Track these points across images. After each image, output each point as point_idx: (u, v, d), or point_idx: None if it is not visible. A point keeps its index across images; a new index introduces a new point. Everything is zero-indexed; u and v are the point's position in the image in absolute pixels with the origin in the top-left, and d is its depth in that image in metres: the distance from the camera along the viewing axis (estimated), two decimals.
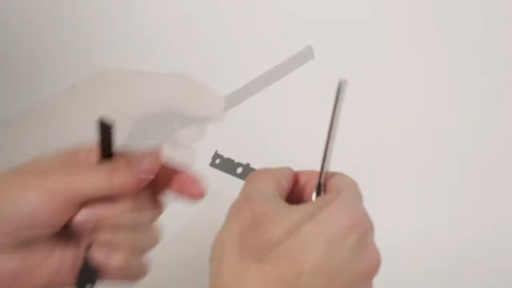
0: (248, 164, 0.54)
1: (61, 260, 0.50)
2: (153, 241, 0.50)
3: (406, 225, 0.83)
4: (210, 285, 0.43)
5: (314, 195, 0.47)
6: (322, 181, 0.46)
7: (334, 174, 0.47)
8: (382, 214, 0.48)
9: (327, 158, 0.46)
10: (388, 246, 0.45)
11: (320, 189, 0.46)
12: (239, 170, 0.54)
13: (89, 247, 0.49)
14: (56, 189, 0.46)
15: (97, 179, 0.47)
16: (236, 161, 0.54)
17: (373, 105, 0.87)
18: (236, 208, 0.44)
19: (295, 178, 0.49)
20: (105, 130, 0.45)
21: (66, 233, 0.49)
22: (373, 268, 0.43)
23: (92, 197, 0.47)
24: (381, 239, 0.44)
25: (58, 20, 0.93)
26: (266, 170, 0.47)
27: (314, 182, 0.47)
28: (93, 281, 0.50)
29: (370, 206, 0.44)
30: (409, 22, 0.87)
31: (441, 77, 0.87)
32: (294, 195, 0.48)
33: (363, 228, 0.42)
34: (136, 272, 0.50)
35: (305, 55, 0.51)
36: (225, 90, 0.52)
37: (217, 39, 0.90)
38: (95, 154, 0.48)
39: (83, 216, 0.47)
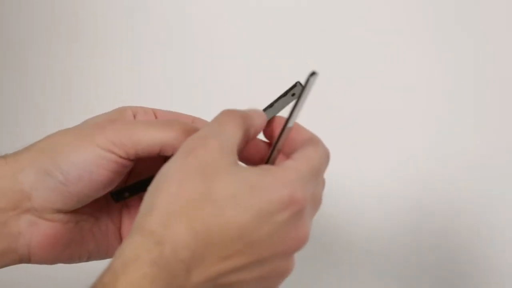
0: None
1: (105, 228, 0.54)
2: None
3: None
4: (136, 221, 0.42)
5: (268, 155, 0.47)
6: (274, 154, 0.46)
7: (307, 137, 0.47)
8: None
9: (282, 137, 0.46)
10: None
11: (272, 154, 0.47)
12: None
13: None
14: (114, 140, 0.48)
15: (154, 130, 0.48)
16: None
17: (373, 105, 0.87)
18: (191, 147, 0.43)
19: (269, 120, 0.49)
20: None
21: (108, 205, 0.54)
22: (297, 246, 0.43)
23: (149, 148, 0.48)
24: None
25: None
26: (235, 114, 0.45)
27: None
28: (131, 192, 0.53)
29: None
30: (410, 22, 0.87)
31: (441, 77, 0.87)
32: (265, 133, 0.49)
33: (299, 207, 0.42)
34: None
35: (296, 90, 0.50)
36: None
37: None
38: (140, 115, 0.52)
39: None
